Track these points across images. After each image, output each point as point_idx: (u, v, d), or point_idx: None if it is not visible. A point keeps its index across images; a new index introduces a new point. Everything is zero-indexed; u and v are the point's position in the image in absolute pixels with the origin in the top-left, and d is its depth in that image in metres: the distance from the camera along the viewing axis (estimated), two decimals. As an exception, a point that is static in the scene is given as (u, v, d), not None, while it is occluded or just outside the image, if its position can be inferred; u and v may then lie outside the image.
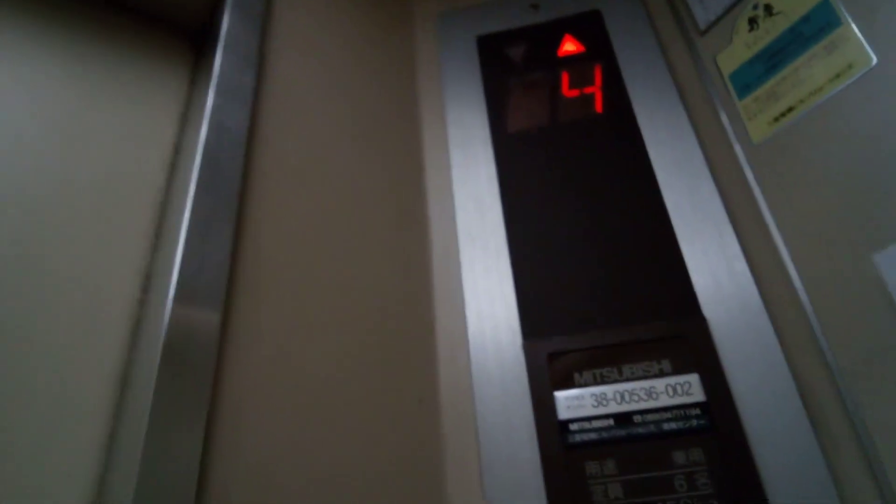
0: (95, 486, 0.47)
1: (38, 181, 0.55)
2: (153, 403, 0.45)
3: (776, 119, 0.69)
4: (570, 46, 0.86)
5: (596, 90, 0.82)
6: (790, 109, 0.68)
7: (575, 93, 0.82)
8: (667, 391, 0.59)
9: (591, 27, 0.87)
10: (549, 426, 0.59)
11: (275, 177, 0.64)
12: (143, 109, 0.65)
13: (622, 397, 0.59)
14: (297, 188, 0.66)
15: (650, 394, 0.59)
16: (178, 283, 0.51)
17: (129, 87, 0.65)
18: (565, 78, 0.84)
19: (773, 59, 0.71)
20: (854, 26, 0.64)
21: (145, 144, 0.64)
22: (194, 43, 0.74)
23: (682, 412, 0.57)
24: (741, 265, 0.64)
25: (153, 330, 0.51)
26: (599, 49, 0.85)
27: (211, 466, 0.47)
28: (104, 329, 0.54)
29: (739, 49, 0.76)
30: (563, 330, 0.64)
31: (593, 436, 0.58)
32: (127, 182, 0.61)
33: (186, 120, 0.68)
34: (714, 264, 0.65)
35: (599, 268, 0.67)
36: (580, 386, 0.61)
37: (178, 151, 0.67)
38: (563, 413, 0.60)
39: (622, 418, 0.58)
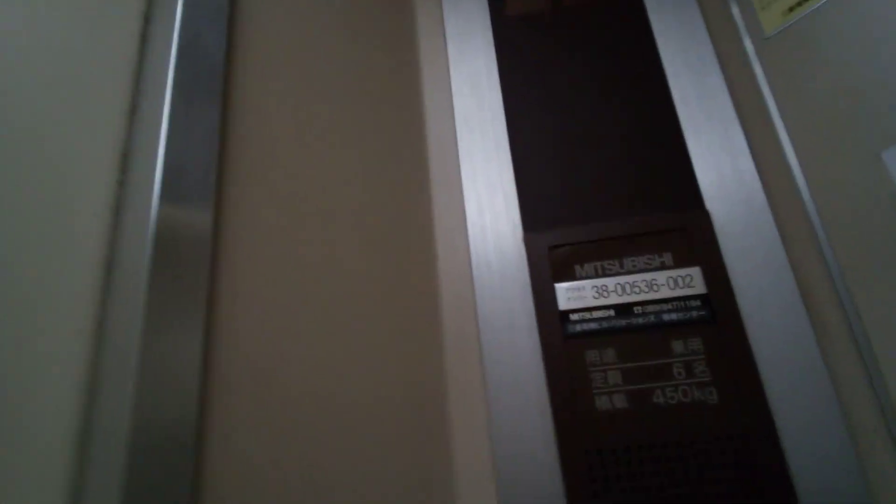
0: (88, 375, 0.45)
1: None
2: (147, 294, 0.43)
3: (791, 9, 0.66)
4: (575, -78, 0.80)
5: (601, -27, 0.76)
6: (805, 0, 0.65)
7: (579, -25, 0.77)
8: (668, 283, 0.59)
9: None
10: (549, 316, 0.59)
11: (261, 49, 0.58)
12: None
13: (623, 289, 0.59)
14: (284, 67, 0.60)
15: (651, 286, 0.59)
16: (164, 165, 0.47)
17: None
18: (569, -43, 0.78)
19: (793, -57, 0.67)
20: None
21: (110, 11, 0.57)
22: None
23: (682, 304, 0.58)
24: (746, 161, 0.63)
25: (140, 217, 0.48)
26: (607, -73, 0.79)
27: (214, 359, 0.45)
28: (82, 213, 0.50)
29: (757, -68, 0.71)
30: (564, 221, 0.63)
31: (593, 326, 0.58)
32: (93, 52, 0.54)
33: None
34: (719, 159, 0.63)
35: (602, 159, 0.66)
36: (581, 278, 0.60)
37: (150, 19, 0.60)
38: (564, 304, 0.59)
39: (622, 309, 0.59)
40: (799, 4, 0.66)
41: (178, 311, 0.44)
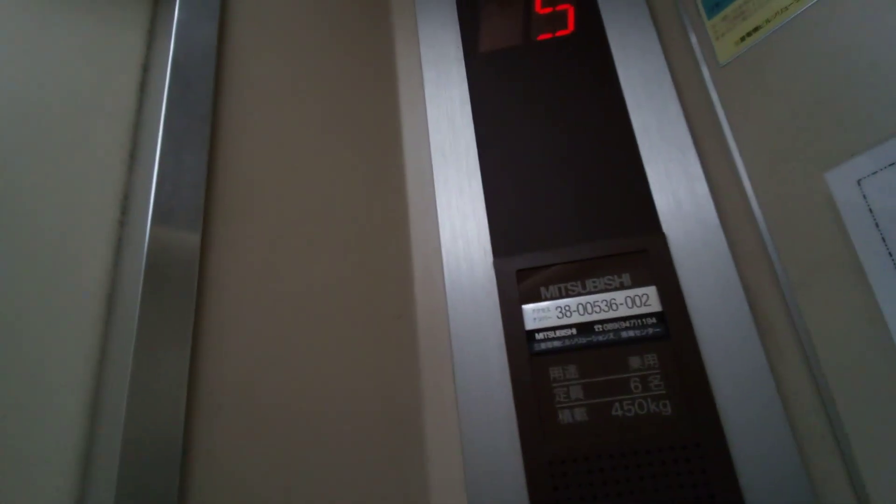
0: (90, 399, 0.50)
1: (3, 106, 0.54)
2: (139, 321, 0.48)
3: (742, 39, 0.70)
4: (543, -39, 0.85)
5: (568, 7, 0.81)
6: (756, 29, 0.69)
7: (548, 10, 0.82)
8: (626, 302, 0.63)
9: (565, -59, 0.85)
10: (516, 336, 0.63)
11: (246, 95, 0.64)
12: (109, 26, 0.63)
13: (584, 309, 0.63)
14: (268, 106, 0.66)
15: (611, 305, 0.63)
16: (156, 202, 0.53)
17: (93, 3, 0.63)
18: (538, -6, 0.83)
19: (743, -23, 0.72)
20: (823, -55, 0.64)
21: (113, 63, 0.63)
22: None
23: (639, 321, 0.62)
24: (701, 185, 0.67)
25: (135, 250, 0.53)
26: (573, -36, 0.84)
27: (198, 380, 0.50)
28: (86, 251, 0.55)
29: (712, -34, 0.76)
30: (531, 247, 0.68)
31: (557, 344, 0.62)
32: (97, 103, 0.60)
33: (153, 36, 0.67)
34: (676, 184, 0.67)
35: (567, 187, 0.70)
36: (546, 299, 0.65)
37: (147, 69, 0.66)
38: (530, 324, 0.64)
39: (584, 328, 0.63)
40: (749, 34, 0.70)
41: (168, 335, 0.49)
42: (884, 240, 0.55)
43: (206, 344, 0.52)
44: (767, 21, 0.68)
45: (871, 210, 0.56)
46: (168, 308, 0.50)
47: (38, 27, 0.58)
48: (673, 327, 0.61)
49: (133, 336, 0.48)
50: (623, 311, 0.63)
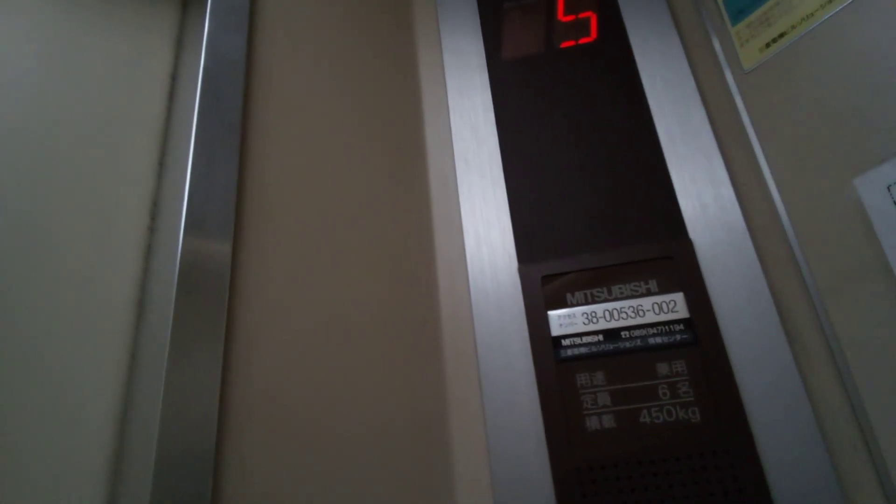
0: (121, 403, 0.50)
1: (37, 115, 0.55)
2: (172, 329, 0.48)
3: (767, 45, 0.70)
4: (565, -31, 0.85)
5: (591, 14, 0.81)
6: (781, 35, 0.69)
7: (570, 17, 0.82)
8: (653, 309, 0.63)
9: (586, -51, 0.86)
10: (542, 342, 0.63)
11: (275, 103, 0.65)
12: (138, 35, 0.65)
13: (611, 315, 0.63)
14: (296, 115, 0.67)
15: (637, 311, 0.63)
16: (188, 209, 0.53)
17: (122, 12, 0.65)
18: (560, 2, 0.83)
19: (767, -17, 0.72)
20: (849, -50, 0.64)
21: (143, 73, 0.64)
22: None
23: (666, 328, 0.62)
24: (727, 191, 0.67)
25: (167, 257, 0.54)
26: (595, -28, 0.84)
27: (231, 387, 0.50)
28: (116, 257, 0.56)
29: (735, -27, 0.76)
30: (556, 253, 0.68)
31: (584, 350, 0.62)
32: (127, 111, 0.61)
33: (182, 46, 0.68)
34: (702, 190, 0.67)
35: (591, 193, 0.70)
36: (572, 305, 0.65)
37: (176, 78, 0.67)
38: (556, 330, 0.64)
39: (611, 334, 0.63)
40: (775, 40, 0.70)
41: (200, 344, 0.50)
42: (915, 245, 0.54)
43: (237, 352, 0.52)
44: (793, 27, 0.68)
45: (902, 216, 0.56)
46: (200, 315, 0.51)
47: (69, 37, 0.60)
48: (701, 334, 0.61)
49: (167, 343, 0.48)
50: (650, 318, 0.62)
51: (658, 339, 0.61)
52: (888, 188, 0.57)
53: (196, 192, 0.55)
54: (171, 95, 0.66)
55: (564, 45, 0.80)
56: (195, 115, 0.58)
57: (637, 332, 0.62)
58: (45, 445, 0.45)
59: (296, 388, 0.55)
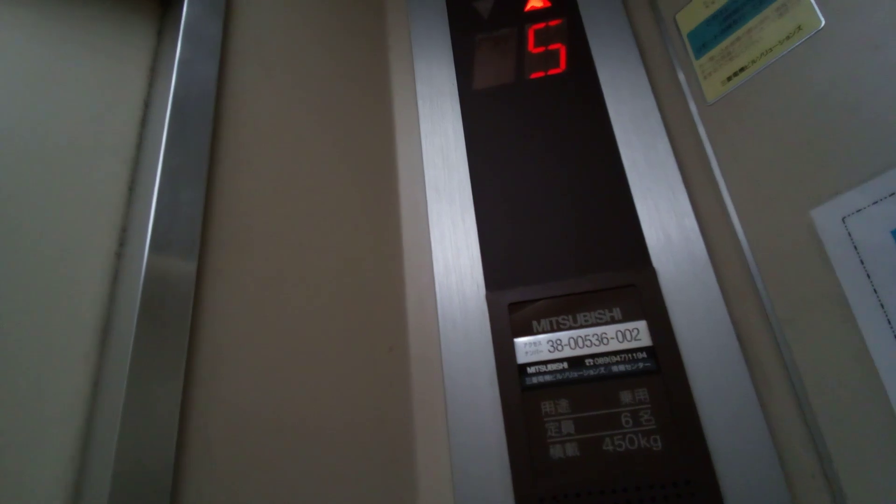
0: (82, 431, 0.50)
1: (8, 137, 0.55)
2: (133, 352, 0.48)
3: (729, 78, 0.72)
4: (536, 2, 0.87)
5: (560, 46, 0.83)
6: (742, 69, 0.71)
7: (540, 49, 0.84)
8: (617, 336, 0.63)
9: (557, -18, 0.88)
10: (508, 370, 0.64)
11: (245, 131, 0.65)
12: (112, 63, 0.65)
13: (576, 343, 0.64)
14: (267, 142, 0.67)
15: (601, 339, 0.64)
16: (153, 234, 0.54)
17: (98, 40, 0.65)
18: (531, 34, 0.85)
19: (729, 18, 0.74)
20: (804, -10, 0.67)
21: (116, 99, 0.64)
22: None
23: (630, 356, 0.62)
24: (690, 221, 0.68)
25: (131, 281, 0.54)
26: (564, 5, 0.86)
27: (190, 412, 0.50)
28: (83, 283, 0.55)
29: (698, 8, 0.78)
30: (523, 281, 0.68)
31: (549, 378, 0.63)
32: (100, 138, 0.61)
33: (156, 73, 0.69)
34: (665, 219, 0.69)
35: (558, 222, 0.71)
36: (538, 333, 0.65)
37: (149, 105, 0.67)
38: (522, 358, 0.64)
39: (575, 362, 0.63)
40: (736, 74, 0.72)
41: (161, 366, 0.50)
42: (868, 276, 0.56)
43: (199, 376, 0.52)
44: (753, 61, 0.70)
45: (856, 247, 0.57)
46: (162, 339, 0.51)
47: (44, 63, 0.60)
48: (663, 362, 0.61)
49: (126, 368, 0.48)
50: (614, 346, 0.63)
51: (621, 367, 0.62)
52: (843, 220, 0.58)
53: (162, 216, 0.55)
54: (144, 122, 0.66)
55: (534, 75, 0.82)
56: (163, 143, 0.59)
57: (601, 360, 0.63)
58: (1, 470, 0.44)
59: (258, 414, 0.55)
